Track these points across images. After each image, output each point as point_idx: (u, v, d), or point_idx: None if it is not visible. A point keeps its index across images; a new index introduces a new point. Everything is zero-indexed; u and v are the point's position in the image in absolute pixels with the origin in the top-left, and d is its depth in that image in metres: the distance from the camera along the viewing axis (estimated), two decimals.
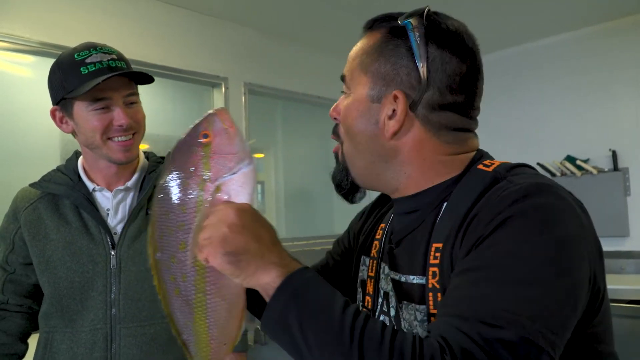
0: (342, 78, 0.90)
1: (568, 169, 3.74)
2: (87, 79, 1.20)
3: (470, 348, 0.63)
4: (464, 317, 0.65)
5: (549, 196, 0.71)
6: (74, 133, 1.32)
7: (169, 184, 0.73)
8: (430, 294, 0.77)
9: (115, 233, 1.32)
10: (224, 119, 0.72)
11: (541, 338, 0.63)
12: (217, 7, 3.12)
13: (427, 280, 0.78)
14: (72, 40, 2.57)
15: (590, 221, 0.75)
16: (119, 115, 1.25)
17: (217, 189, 0.71)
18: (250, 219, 0.71)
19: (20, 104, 2.55)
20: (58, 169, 1.39)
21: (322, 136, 4.39)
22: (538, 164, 3.76)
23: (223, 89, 3.26)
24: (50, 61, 2.59)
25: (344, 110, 0.87)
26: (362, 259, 1.00)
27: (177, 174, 0.72)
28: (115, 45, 2.69)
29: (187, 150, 0.73)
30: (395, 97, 0.81)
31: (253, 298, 0.79)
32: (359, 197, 0.93)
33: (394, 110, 0.81)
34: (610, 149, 3.62)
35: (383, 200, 1.04)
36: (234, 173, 0.72)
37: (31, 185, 1.36)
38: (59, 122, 1.32)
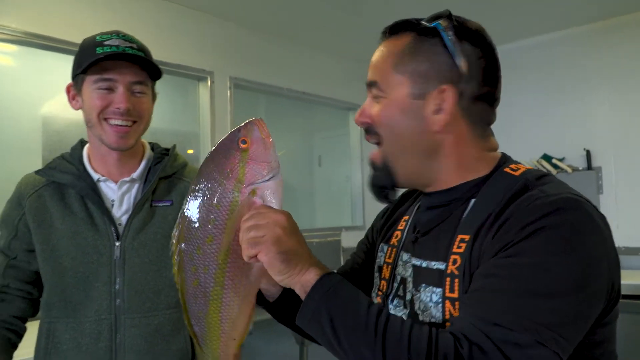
0: (371, 84, 0.93)
1: (544, 167, 3.86)
2: (100, 57, 1.21)
3: (483, 343, 0.70)
4: (484, 318, 0.72)
5: (578, 212, 0.76)
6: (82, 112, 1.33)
7: (205, 182, 0.77)
8: (448, 279, 0.83)
9: (120, 224, 1.32)
10: (262, 129, 0.78)
11: (554, 343, 0.70)
12: (204, 2, 3.16)
13: (446, 266, 0.84)
14: (56, 31, 2.60)
15: (611, 233, 0.80)
16: (119, 98, 1.24)
17: (252, 192, 0.77)
18: (295, 225, 0.79)
19: (3, 94, 2.55)
20: (63, 157, 1.37)
21: (305, 131, 4.44)
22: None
23: (209, 83, 3.29)
24: (35, 51, 2.62)
25: (382, 113, 0.90)
26: (380, 246, 1.06)
27: (214, 173, 0.77)
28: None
29: (226, 153, 0.77)
30: (441, 92, 0.86)
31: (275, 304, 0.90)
32: (393, 198, 0.98)
33: (438, 105, 0.86)
34: (584, 149, 3.75)
35: (407, 195, 1.10)
36: (267, 180, 0.78)
37: (37, 172, 1.34)
38: (71, 99, 1.32)
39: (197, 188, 0.78)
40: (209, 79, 3.28)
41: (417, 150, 0.89)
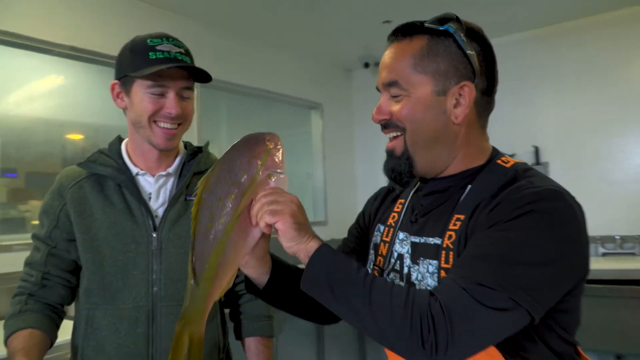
0: (391, 84, 1.00)
1: None
2: (153, 64, 1.25)
3: (459, 295, 0.82)
4: (466, 277, 0.84)
5: (560, 201, 0.89)
6: (125, 110, 1.36)
7: (238, 153, 0.92)
8: (443, 252, 0.95)
9: (157, 216, 1.35)
10: (279, 141, 0.96)
11: (528, 304, 0.82)
12: (171, 1, 3.19)
13: (442, 241, 0.96)
14: (23, 28, 2.59)
15: (585, 220, 0.94)
16: (170, 104, 1.28)
17: (269, 176, 0.93)
18: (302, 206, 0.93)
19: None
20: (102, 152, 1.41)
21: (265, 129, 4.50)
22: None
23: None
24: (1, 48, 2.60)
25: (406, 110, 0.99)
26: (377, 226, 1.17)
27: (246, 150, 0.92)
28: (69, 34, 2.73)
29: (258, 141, 0.94)
30: (462, 88, 0.97)
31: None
32: (408, 184, 1.08)
33: (456, 99, 0.98)
34: (533, 145, 3.95)
35: (395, 190, 1.22)
36: (281, 173, 0.94)
37: (78, 164, 1.38)
38: (115, 97, 1.36)
39: (230, 155, 0.91)
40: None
41: (439, 142, 1.00)
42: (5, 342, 1.25)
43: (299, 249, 0.92)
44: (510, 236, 0.86)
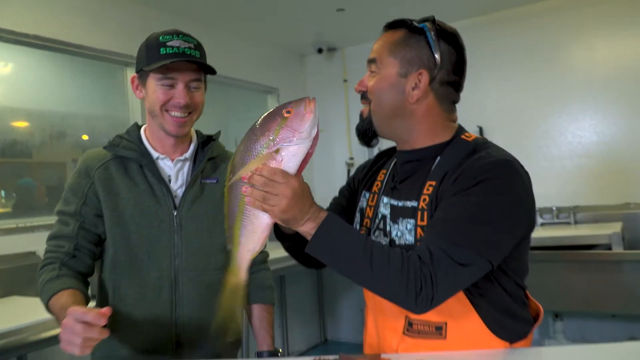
0: (371, 61, 1.22)
1: None
2: (163, 59, 1.37)
3: (439, 257, 1.03)
4: (442, 238, 1.05)
5: (511, 170, 1.10)
6: (144, 99, 1.48)
7: (250, 133, 1.03)
8: (419, 212, 1.16)
9: (176, 197, 1.49)
10: (307, 106, 1.00)
11: (487, 254, 1.05)
12: None
13: (418, 203, 1.17)
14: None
15: (531, 185, 1.15)
16: (179, 94, 1.41)
17: (277, 150, 1.01)
18: (299, 195, 1.02)
19: None
20: (121, 137, 1.53)
21: (221, 114, 4.54)
22: None
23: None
24: None
25: (376, 84, 1.21)
26: (363, 193, 1.36)
27: (257, 129, 1.02)
28: (32, 23, 2.71)
29: (271, 117, 1.02)
30: (420, 74, 1.17)
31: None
32: (374, 143, 1.28)
33: (416, 84, 1.18)
34: (477, 126, 4.22)
35: (384, 155, 1.41)
36: (292, 145, 1.00)
37: (104, 147, 1.50)
38: (135, 88, 1.49)
39: (250, 133, 1.03)
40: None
41: (394, 113, 1.21)
42: (47, 304, 1.33)
43: (299, 231, 1.07)
44: (473, 200, 1.07)
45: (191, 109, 1.46)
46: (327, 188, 4.94)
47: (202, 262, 1.50)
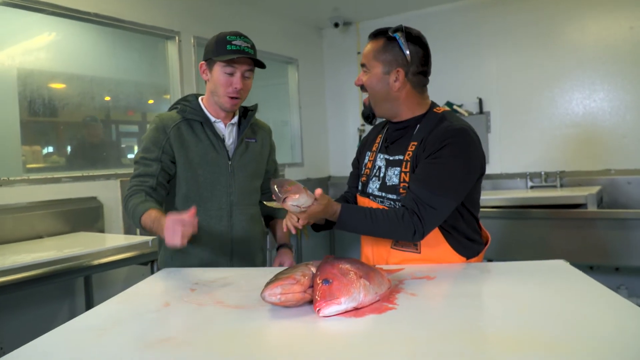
0: (363, 65, 1.70)
1: None
2: (229, 53, 1.81)
3: (423, 206, 1.54)
4: (421, 189, 1.55)
5: (468, 135, 1.59)
6: (206, 81, 1.92)
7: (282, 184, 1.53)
8: (404, 163, 1.66)
9: (229, 150, 1.96)
10: (285, 187, 1.51)
11: (452, 196, 1.57)
12: None
13: (404, 157, 1.67)
14: None
15: (480, 143, 1.64)
16: (236, 81, 1.85)
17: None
18: (323, 204, 1.54)
19: None
20: (185, 104, 1.96)
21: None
22: None
23: (177, 41, 3.81)
24: (11, 10, 2.97)
25: (368, 80, 1.68)
26: (366, 153, 1.87)
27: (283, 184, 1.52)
28: (86, 1, 3.06)
29: (284, 182, 1.54)
30: (397, 71, 1.64)
31: None
32: (374, 122, 1.82)
33: (396, 77, 1.65)
34: (477, 97, 4.63)
35: (376, 128, 1.90)
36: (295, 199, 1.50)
37: (177, 112, 1.94)
38: (202, 72, 1.92)
39: (278, 183, 1.55)
40: (177, 37, 3.80)
41: (386, 100, 1.70)
42: (141, 218, 1.75)
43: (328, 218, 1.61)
44: (439, 162, 1.58)
45: (243, 93, 1.90)
46: (341, 150, 5.43)
47: (247, 198, 2.01)
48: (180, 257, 1.94)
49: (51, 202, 3.01)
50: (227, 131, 1.98)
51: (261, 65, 1.89)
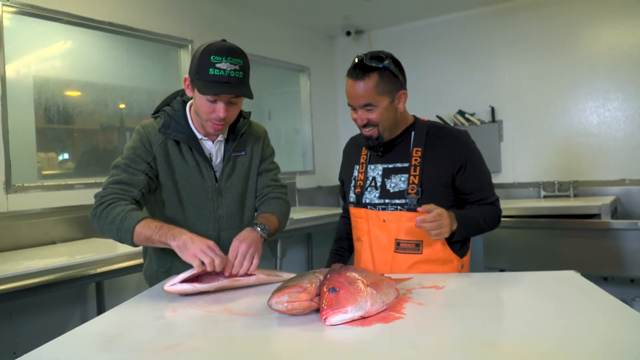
0: (366, 105, 1.71)
1: (459, 120, 4.70)
2: (211, 79, 1.57)
3: (493, 205, 1.85)
4: (488, 191, 1.85)
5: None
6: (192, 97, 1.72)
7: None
8: (412, 168, 1.77)
9: (216, 171, 1.81)
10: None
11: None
12: None
13: (410, 163, 1.78)
14: (50, 3, 3.03)
15: None
16: (219, 109, 1.63)
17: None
18: (446, 215, 1.66)
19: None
20: (170, 115, 1.76)
21: (255, 89, 4.97)
22: (437, 116, 4.69)
23: (189, 49, 3.84)
24: (28, 19, 3.01)
25: (378, 115, 1.72)
26: (354, 166, 1.93)
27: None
28: (94, 8, 3.08)
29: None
30: (402, 94, 1.75)
31: None
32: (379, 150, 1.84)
33: (400, 100, 1.75)
34: (489, 105, 4.61)
35: (355, 144, 1.99)
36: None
37: (161, 129, 1.73)
38: (186, 87, 1.70)
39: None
40: (190, 46, 3.84)
41: (394, 124, 1.79)
42: (134, 227, 1.56)
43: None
44: (478, 164, 1.82)
45: (228, 120, 1.71)
46: None
47: (237, 221, 1.87)
48: (164, 277, 1.77)
49: (65, 208, 3.05)
50: (215, 149, 1.82)
51: (247, 96, 1.65)
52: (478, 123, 4.60)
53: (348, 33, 5.04)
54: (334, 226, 4.53)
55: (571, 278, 1.57)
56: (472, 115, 4.66)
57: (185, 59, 3.87)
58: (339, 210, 4.49)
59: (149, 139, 1.74)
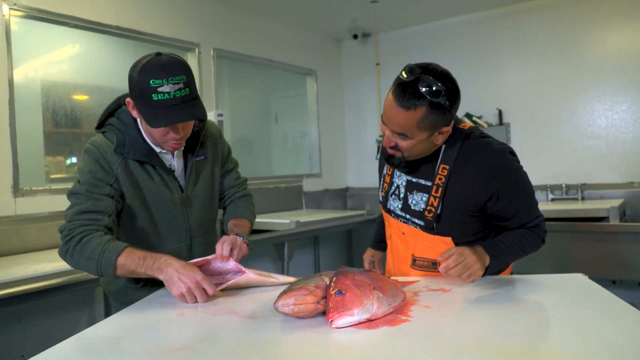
0: (401, 134, 1.51)
1: (466, 123, 4.67)
2: (156, 105, 1.47)
3: (538, 228, 1.65)
4: (531, 214, 1.64)
5: (514, 155, 1.63)
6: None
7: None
8: (434, 187, 1.59)
9: (179, 181, 1.74)
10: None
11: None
12: None
13: (433, 182, 1.59)
14: (47, 3, 3.07)
15: None
16: (174, 132, 1.56)
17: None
18: (475, 254, 1.52)
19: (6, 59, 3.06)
20: (122, 132, 1.63)
21: (263, 92, 4.96)
22: None
23: (197, 53, 3.86)
24: (35, 23, 3.03)
25: (410, 146, 1.52)
26: (385, 165, 1.78)
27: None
28: (102, 12, 3.06)
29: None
30: (444, 131, 1.52)
31: None
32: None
33: (440, 136, 1.53)
34: (497, 108, 4.59)
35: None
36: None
37: (115, 149, 1.60)
38: (131, 109, 1.58)
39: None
40: (197, 49, 3.85)
41: (425, 154, 1.59)
42: (117, 259, 1.48)
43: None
44: (520, 187, 1.63)
45: (185, 136, 1.63)
46: (359, 161, 5.43)
47: (206, 226, 1.86)
48: (135, 293, 1.71)
49: None
50: (176, 160, 1.73)
51: (199, 117, 1.55)
52: (485, 126, 4.59)
53: (355, 36, 5.04)
54: (341, 229, 4.68)
55: (579, 281, 1.56)
56: (479, 117, 4.65)
57: (192, 62, 3.87)
58: (346, 214, 4.60)
59: (106, 160, 1.61)
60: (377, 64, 5.27)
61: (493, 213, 1.61)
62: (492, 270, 1.59)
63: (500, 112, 4.58)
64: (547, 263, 3.58)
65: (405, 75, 1.46)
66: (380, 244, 2.05)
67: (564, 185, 4.30)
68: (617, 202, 3.74)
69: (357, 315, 1.17)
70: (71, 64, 3.32)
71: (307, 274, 1.45)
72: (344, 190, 5.44)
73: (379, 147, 5.20)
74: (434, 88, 1.43)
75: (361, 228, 4.56)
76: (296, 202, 4.77)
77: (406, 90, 1.45)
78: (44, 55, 3.20)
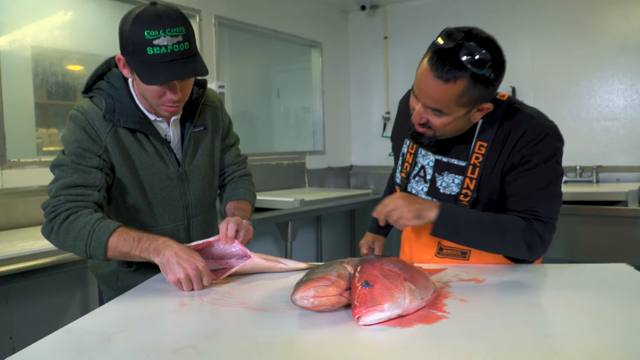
0: (435, 110, 1.30)
1: None
2: (151, 61, 1.30)
3: (542, 226, 1.38)
4: (535, 204, 1.38)
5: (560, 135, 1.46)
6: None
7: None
8: (470, 167, 1.40)
9: (176, 153, 1.57)
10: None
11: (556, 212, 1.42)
12: None
13: (469, 161, 1.39)
14: None
15: None
16: (170, 93, 1.39)
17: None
18: (404, 197, 1.39)
19: None
20: (113, 98, 1.46)
21: (264, 65, 4.76)
22: None
23: (197, 20, 3.65)
24: None
25: (443, 123, 1.32)
26: (405, 140, 1.56)
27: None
28: None
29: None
30: (484, 107, 1.32)
31: None
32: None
33: (479, 112, 1.32)
34: (510, 86, 4.41)
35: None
36: None
37: (105, 115, 1.44)
38: (122, 67, 1.41)
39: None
40: (197, 16, 3.65)
41: (460, 131, 1.39)
42: (108, 240, 1.33)
43: (429, 221, 1.37)
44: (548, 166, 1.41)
45: (183, 100, 1.46)
46: (364, 139, 5.25)
47: (205, 206, 1.69)
48: (128, 278, 1.57)
49: None
50: (172, 129, 1.55)
51: (201, 73, 1.38)
52: None
53: (363, 7, 4.82)
54: (344, 208, 4.50)
55: (624, 272, 1.41)
56: None
57: (193, 28, 3.66)
58: (350, 192, 4.43)
59: (93, 127, 1.44)
60: (386, 38, 5.04)
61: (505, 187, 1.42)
62: (439, 234, 1.39)
63: (513, 90, 4.39)
64: (562, 248, 3.44)
65: (442, 42, 1.25)
66: (382, 228, 1.82)
67: (578, 167, 4.14)
68: (635, 186, 3.58)
69: (387, 310, 1.01)
70: (64, 31, 3.11)
71: (309, 257, 1.31)
72: (347, 169, 5.27)
73: (385, 125, 5.03)
74: (477, 57, 1.22)
75: (365, 207, 4.40)
76: (299, 180, 4.59)
77: (445, 58, 1.24)
78: (36, 21, 2.98)
